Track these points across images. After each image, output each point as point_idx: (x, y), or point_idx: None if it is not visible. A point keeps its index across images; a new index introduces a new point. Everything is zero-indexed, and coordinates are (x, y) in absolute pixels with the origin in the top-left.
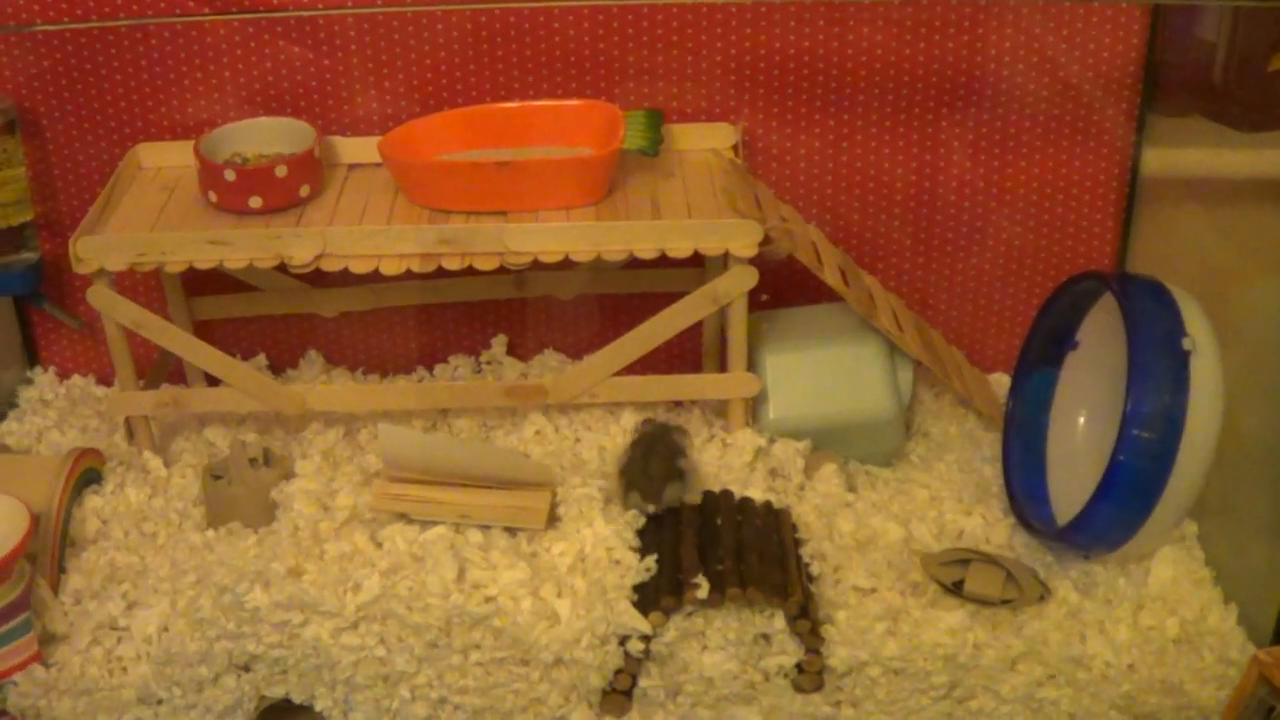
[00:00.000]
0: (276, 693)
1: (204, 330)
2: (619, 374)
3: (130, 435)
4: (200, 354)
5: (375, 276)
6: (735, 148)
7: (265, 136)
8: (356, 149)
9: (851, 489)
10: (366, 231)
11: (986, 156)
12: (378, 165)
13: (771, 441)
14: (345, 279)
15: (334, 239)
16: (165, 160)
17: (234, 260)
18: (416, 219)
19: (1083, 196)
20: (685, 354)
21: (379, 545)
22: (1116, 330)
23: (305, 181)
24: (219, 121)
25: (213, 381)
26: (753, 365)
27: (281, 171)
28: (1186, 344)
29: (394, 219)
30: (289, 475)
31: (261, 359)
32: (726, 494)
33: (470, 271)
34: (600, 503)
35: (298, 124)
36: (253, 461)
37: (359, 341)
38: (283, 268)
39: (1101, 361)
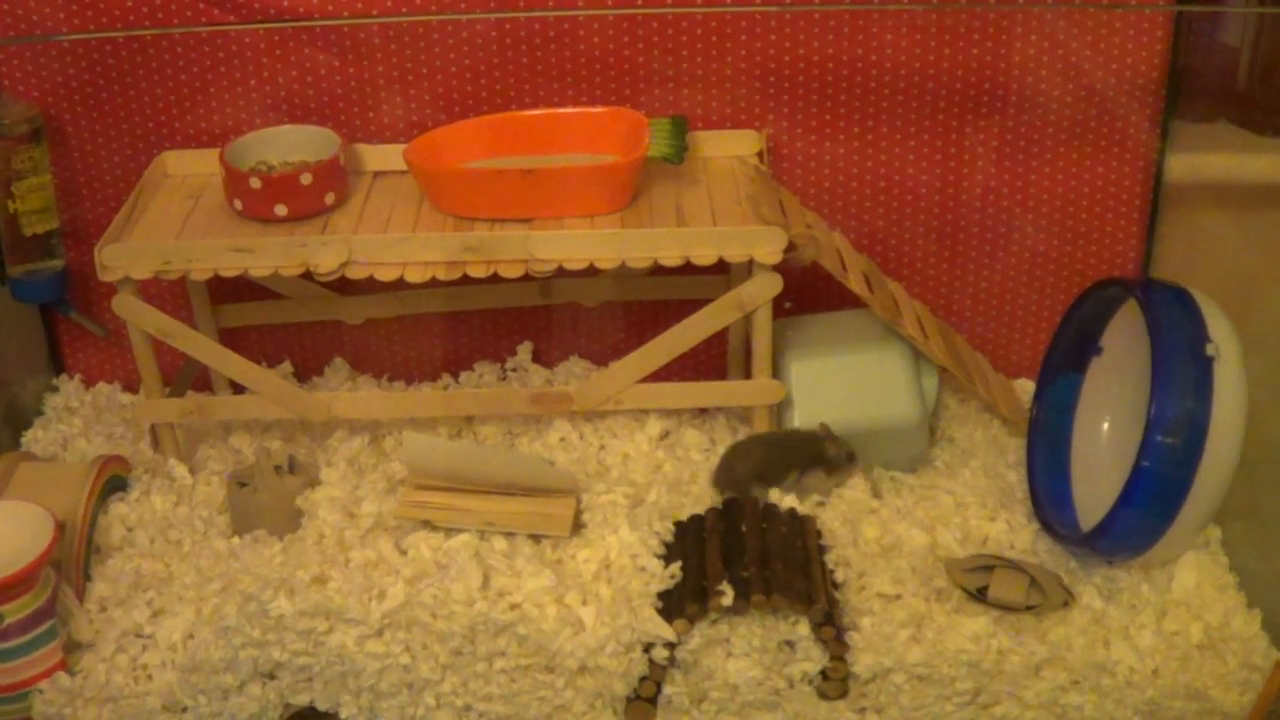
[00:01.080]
0: (301, 700)
1: (229, 338)
2: (643, 381)
3: (156, 443)
4: (226, 361)
5: (400, 284)
6: (760, 154)
7: (290, 144)
8: (382, 156)
9: (876, 495)
10: (392, 239)
11: (1011, 162)
12: (403, 173)
13: None
14: (370, 286)
15: (359, 246)
16: (191, 168)
17: (259, 268)
18: (441, 226)
19: (1107, 202)
20: (710, 361)
21: (404, 553)
22: (1141, 336)
23: (330, 189)
24: (244, 129)
25: (238, 389)
26: (777, 372)
27: (307, 179)
28: (1210, 349)
29: (419, 227)
30: (314, 483)
31: (287, 366)
32: (751, 501)
33: (495, 279)
34: (625, 509)
35: (323, 131)
36: (278, 469)
37: (384, 349)
38: (308, 275)
39: (1126, 367)
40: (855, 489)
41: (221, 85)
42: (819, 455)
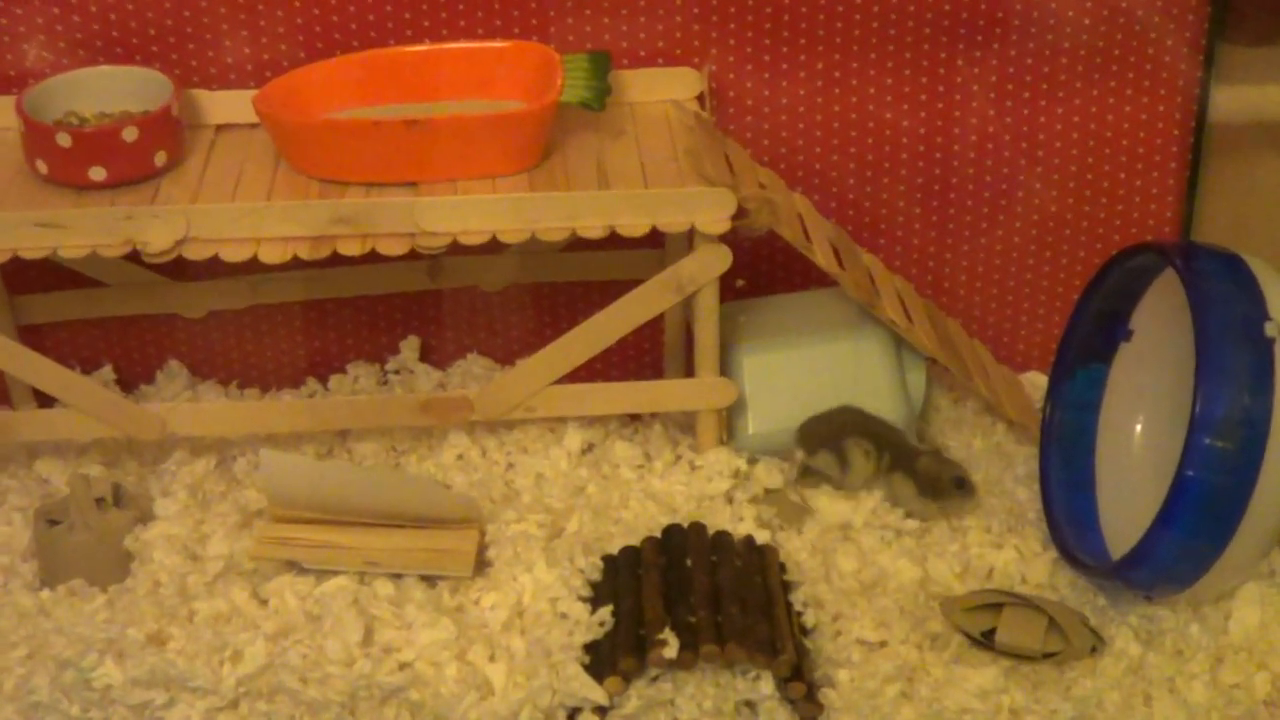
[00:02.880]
0: None
1: (33, 336)
2: (560, 382)
3: None
4: (28, 366)
5: (252, 266)
6: (700, 98)
7: (109, 90)
8: (226, 106)
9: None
10: (241, 210)
11: (1015, 102)
12: (254, 126)
13: (752, 462)
14: (214, 270)
15: (199, 219)
16: None
17: (71, 248)
18: (304, 193)
19: (1136, 149)
20: (643, 357)
21: (263, 603)
22: (1181, 315)
23: (161, 147)
24: (48, 72)
25: (45, 401)
26: (727, 368)
27: (130, 134)
28: (1270, 329)
29: (275, 194)
30: (146, 518)
31: (108, 372)
32: (698, 528)
33: (373, 258)
34: (541, 542)
35: (150, 74)
36: (99, 502)
37: (232, 348)
38: (134, 256)
39: (1162, 354)
40: (830, 510)
41: (16, 14)
42: (907, 459)
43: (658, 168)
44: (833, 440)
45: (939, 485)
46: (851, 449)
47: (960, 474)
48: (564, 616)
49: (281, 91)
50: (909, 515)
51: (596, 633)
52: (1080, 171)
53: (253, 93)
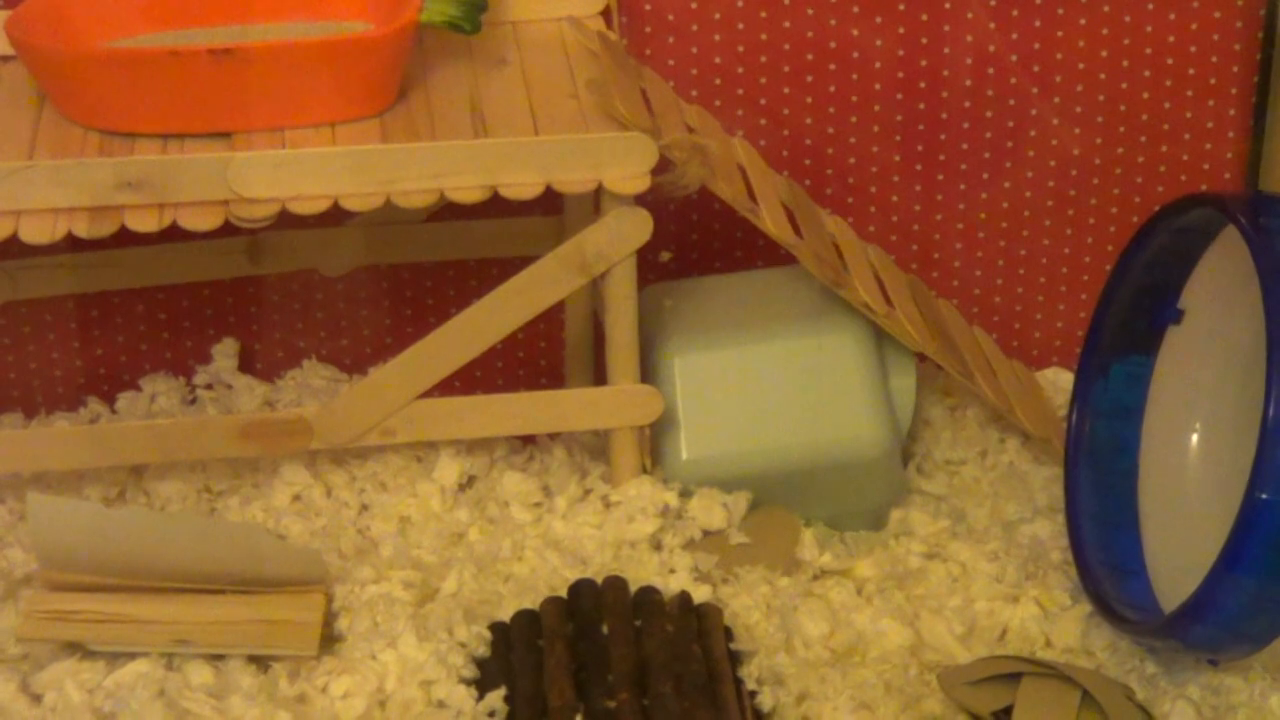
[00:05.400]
0: None
1: None
2: (428, 396)
3: None
4: None
5: (10, 248)
6: (606, 13)
7: None
8: None
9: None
10: None
11: (1024, 11)
12: (7, 59)
13: (686, 496)
14: None
15: None
16: None
17: None
18: (79, 149)
19: (1184, 73)
20: (537, 360)
21: (36, 699)
22: (1246, 288)
23: None
24: None
25: None
26: (650, 374)
27: None
28: None
29: (39, 150)
30: None
31: None
32: (616, 584)
33: (174, 235)
34: (408, 608)
35: None
36: None
37: None
38: None
39: (1223, 341)
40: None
41: None
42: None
43: (552, 108)
44: None
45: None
46: None
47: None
48: (441, 705)
49: (46, 13)
50: None
51: None
52: (1111, 103)
53: (4, 15)
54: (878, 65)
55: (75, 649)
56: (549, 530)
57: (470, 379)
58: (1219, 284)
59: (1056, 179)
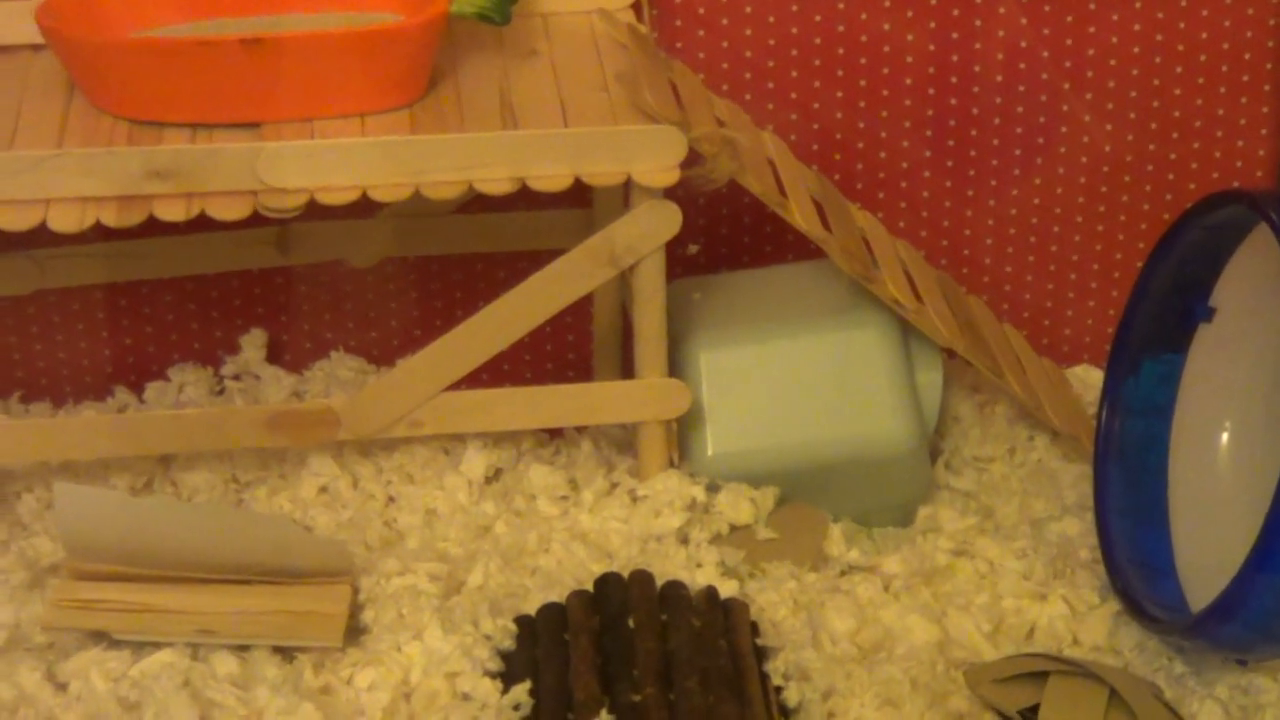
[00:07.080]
0: None
1: None
2: (456, 388)
3: None
4: None
5: (39, 236)
6: (636, 6)
7: None
8: None
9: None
10: (21, 159)
11: (1057, 9)
12: (37, 47)
13: (713, 490)
14: None
15: None
16: None
17: None
18: (109, 138)
19: (1217, 69)
20: (565, 353)
21: (61, 687)
22: (1278, 286)
23: None
24: None
25: None
26: (677, 368)
27: None
28: None
29: (68, 138)
30: None
31: None
32: (642, 578)
33: (203, 225)
34: (434, 600)
35: None
36: None
37: (13, 349)
38: None
39: (1256, 339)
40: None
41: None
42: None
43: (581, 100)
44: None
45: None
46: None
47: None
48: (466, 698)
49: (75, 2)
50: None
51: (510, 719)
52: (1144, 99)
53: (34, 3)
54: (909, 60)
55: (101, 638)
56: (575, 523)
57: (498, 371)
58: (1251, 281)
59: (1088, 175)
